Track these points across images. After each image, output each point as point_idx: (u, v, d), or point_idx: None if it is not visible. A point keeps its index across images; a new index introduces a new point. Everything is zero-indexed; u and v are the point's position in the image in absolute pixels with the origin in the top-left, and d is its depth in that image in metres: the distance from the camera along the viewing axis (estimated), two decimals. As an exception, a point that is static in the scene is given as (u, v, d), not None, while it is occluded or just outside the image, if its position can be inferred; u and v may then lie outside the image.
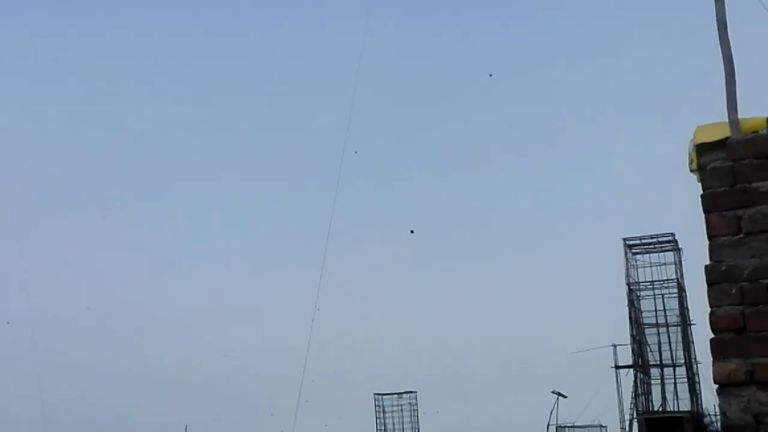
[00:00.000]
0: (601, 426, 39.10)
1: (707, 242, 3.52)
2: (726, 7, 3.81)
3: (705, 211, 3.52)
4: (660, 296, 33.92)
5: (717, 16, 3.78)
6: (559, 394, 36.99)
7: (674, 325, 33.54)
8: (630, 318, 33.26)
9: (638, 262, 34.17)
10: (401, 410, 40.52)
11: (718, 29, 3.74)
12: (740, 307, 3.36)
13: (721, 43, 3.72)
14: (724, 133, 3.53)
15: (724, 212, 3.46)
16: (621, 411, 34.97)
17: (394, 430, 40.40)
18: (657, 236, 33.45)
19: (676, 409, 32.41)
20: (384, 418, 40.57)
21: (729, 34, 3.74)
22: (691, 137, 3.63)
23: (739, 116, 3.59)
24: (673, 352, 33.51)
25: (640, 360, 33.20)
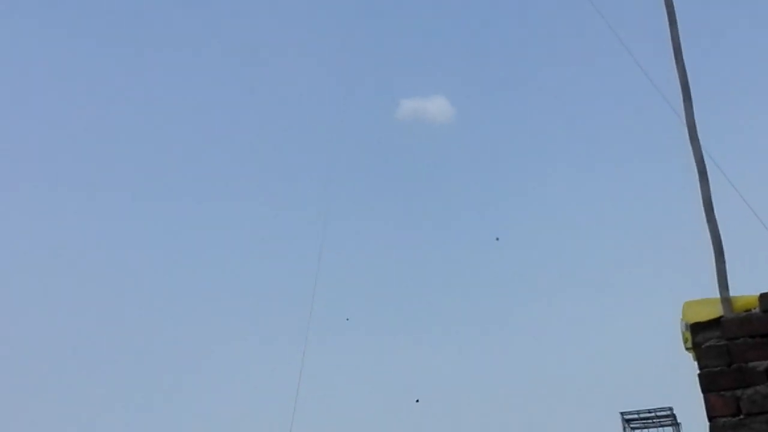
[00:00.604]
0: None
1: (707, 422, 3.43)
2: (711, 186, 3.90)
3: (703, 391, 3.45)
4: (660, 474, 32.81)
5: (702, 194, 3.85)
6: None
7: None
8: (631, 497, 32.01)
9: (637, 438, 33.28)
10: None
11: (705, 208, 3.80)
12: (746, 493, 3.23)
13: (708, 222, 3.77)
14: (717, 311, 3.51)
15: (722, 392, 3.40)
16: None
17: None
18: (655, 410, 32.77)
19: None
20: None
21: (715, 212, 3.80)
22: (681, 314, 3.62)
23: (731, 293, 3.59)
24: None
25: None
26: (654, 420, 33.02)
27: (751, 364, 3.37)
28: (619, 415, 33.02)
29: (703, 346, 3.48)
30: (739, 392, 3.37)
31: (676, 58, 4.18)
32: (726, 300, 3.54)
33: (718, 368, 3.43)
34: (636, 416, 33.13)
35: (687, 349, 3.64)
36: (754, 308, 3.47)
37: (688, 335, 3.57)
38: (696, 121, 4.06)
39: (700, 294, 3.66)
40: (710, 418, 3.40)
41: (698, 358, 3.50)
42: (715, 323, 3.49)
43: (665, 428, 32.99)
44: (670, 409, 32.50)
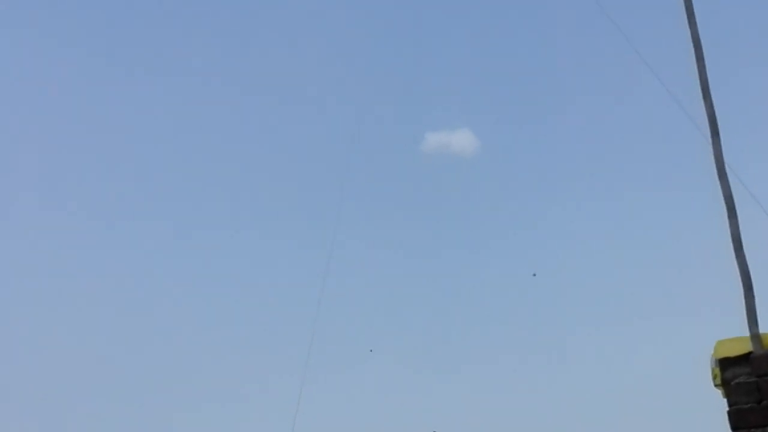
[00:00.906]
0: None
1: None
2: (747, 217, 3.88)
3: (732, 428, 3.42)
4: None
5: (731, 231, 3.84)
6: None
7: None
8: None
9: (665, 476, 32.73)
10: None
11: (734, 244, 3.79)
12: None
13: (737, 258, 3.76)
14: (746, 347, 3.49)
15: (752, 430, 3.37)
16: None
17: None
18: (683, 448, 32.23)
19: None
20: None
21: (744, 249, 3.78)
22: (713, 352, 3.60)
23: (760, 330, 3.57)
24: None
25: None
26: (682, 458, 32.47)
27: (781, 402, 3.34)
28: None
29: (732, 383, 3.46)
30: (769, 430, 3.33)
31: (703, 94, 4.19)
32: (755, 336, 3.52)
33: (748, 405, 3.40)
34: (664, 454, 32.59)
35: (716, 385, 3.61)
36: (785, 345, 3.44)
37: (718, 371, 3.55)
38: (725, 157, 4.05)
39: (732, 329, 3.64)
40: (740, 456, 3.37)
41: (727, 395, 3.48)
42: (744, 359, 3.47)
43: (694, 466, 32.45)
44: (699, 446, 31.97)
